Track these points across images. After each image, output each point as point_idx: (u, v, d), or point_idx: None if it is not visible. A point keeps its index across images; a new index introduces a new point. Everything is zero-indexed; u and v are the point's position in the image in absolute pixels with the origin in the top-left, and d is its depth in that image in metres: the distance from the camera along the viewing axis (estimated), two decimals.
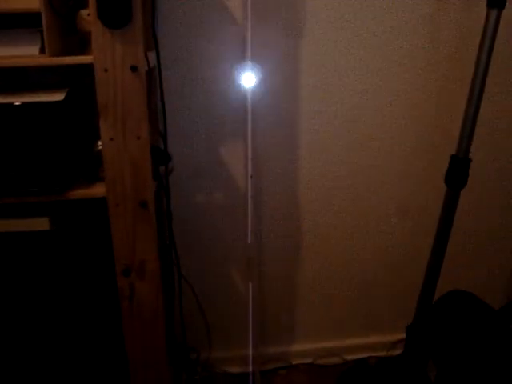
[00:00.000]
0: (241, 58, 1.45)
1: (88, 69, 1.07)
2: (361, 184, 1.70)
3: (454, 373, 1.35)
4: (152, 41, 1.25)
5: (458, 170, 1.26)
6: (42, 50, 1.13)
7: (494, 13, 1.12)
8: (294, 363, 1.86)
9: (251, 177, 1.50)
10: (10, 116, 1.13)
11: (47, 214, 1.22)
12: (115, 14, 1.00)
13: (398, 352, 1.61)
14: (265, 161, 1.57)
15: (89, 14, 1.06)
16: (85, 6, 1.17)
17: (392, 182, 1.71)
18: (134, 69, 1.06)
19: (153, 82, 1.34)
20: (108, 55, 1.05)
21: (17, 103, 1.12)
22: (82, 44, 1.26)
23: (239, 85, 1.45)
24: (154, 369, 1.31)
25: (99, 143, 1.15)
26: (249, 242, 1.56)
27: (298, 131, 1.60)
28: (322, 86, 1.57)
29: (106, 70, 1.05)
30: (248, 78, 1.41)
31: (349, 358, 1.87)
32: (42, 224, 1.21)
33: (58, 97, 1.15)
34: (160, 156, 1.30)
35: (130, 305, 1.24)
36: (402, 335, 1.48)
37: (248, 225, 1.55)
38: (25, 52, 1.13)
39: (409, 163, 1.69)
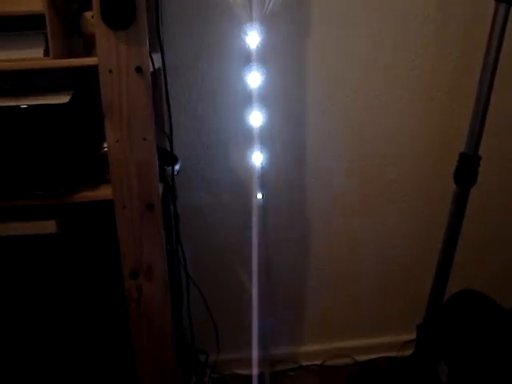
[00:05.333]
0: (246, 58, 1.45)
1: (93, 71, 1.06)
2: (369, 183, 1.69)
3: (465, 373, 1.34)
4: (157, 42, 1.24)
5: (467, 168, 1.24)
6: (47, 53, 1.13)
7: (502, 7, 1.10)
8: (303, 364, 1.85)
9: (258, 178, 1.50)
10: (17, 119, 1.12)
11: (54, 216, 1.22)
12: (119, 15, 1.00)
13: (408, 352, 1.59)
14: (272, 161, 1.56)
15: (93, 16, 1.05)
16: (89, 8, 1.17)
17: (401, 180, 1.69)
18: (138, 70, 1.05)
19: (158, 83, 1.33)
20: (112, 56, 1.04)
21: (23, 106, 1.12)
22: (87, 46, 1.25)
23: (245, 85, 1.44)
24: (163, 371, 1.31)
25: (105, 145, 1.15)
26: (256, 242, 1.55)
27: (306, 131, 1.59)
28: (328, 85, 1.56)
29: (110, 72, 1.05)
30: (254, 79, 1.40)
31: (359, 358, 1.86)
32: (48, 227, 1.21)
33: (64, 99, 1.14)
34: (166, 157, 1.30)
35: (137, 307, 1.23)
36: (413, 335, 1.47)
37: (255, 226, 1.54)
38: (29, 54, 1.13)
39: (418, 161, 1.68)
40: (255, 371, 1.69)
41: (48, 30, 1.10)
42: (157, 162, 1.14)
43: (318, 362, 1.85)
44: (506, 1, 1.09)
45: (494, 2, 1.11)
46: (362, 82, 1.57)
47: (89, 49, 1.24)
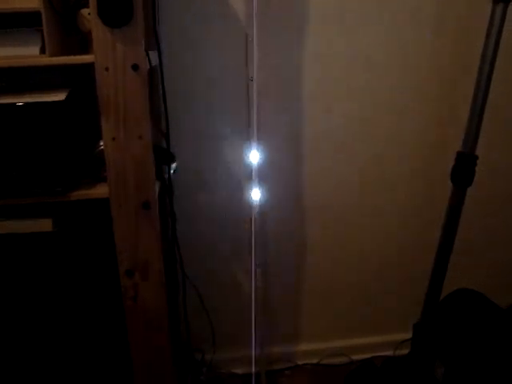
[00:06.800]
0: (243, 56, 1.44)
1: (89, 68, 1.06)
2: (366, 183, 1.69)
3: (461, 371, 1.34)
4: (154, 40, 1.24)
5: (463, 167, 1.24)
6: (43, 50, 1.13)
7: (499, 7, 1.10)
8: (299, 363, 1.85)
9: (256, 176, 1.49)
10: (13, 116, 1.12)
11: (50, 215, 1.22)
12: (116, 13, 0.99)
13: (404, 351, 1.59)
14: (269, 161, 1.56)
15: (89, 13, 1.05)
16: (86, 5, 1.17)
17: (398, 180, 1.69)
18: (135, 68, 1.05)
19: (154, 81, 1.33)
20: (109, 54, 1.04)
21: (19, 103, 1.12)
22: (83, 43, 1.25)
23: (242, 83, 1.44)
24: (159, 369, 1.31)
25: (101, 143, 1.14)
26: (252, 243, 1.54)
27: (303, 130, 1.59)
28: (324, 84, 1.55)
29: (106, 70, 1.05)
30: (250, 77, 1.39)
31: (355, 357, 1.86)
32: (45, 225, 1.21)
33: (60, 97, 1.14)
34: (163, 156, 1.29)
35: (134, 305, 1.23)
36: (409, 334, 1.47)
37: (252, 225, 1.54)
38: (25, 52, 1.13)
39: (416, 161, 1.68)
40: (251, 370, 1.69)
41: (44, 27, 1.10)
42: (153, 161, 1.13)
43: (315, 361, 1.85)
44: (503, 0, 1.09)
45: (491, 2, 1.12)
46: (359, 81, 1.56)
47: (85, 46, 1.24)
